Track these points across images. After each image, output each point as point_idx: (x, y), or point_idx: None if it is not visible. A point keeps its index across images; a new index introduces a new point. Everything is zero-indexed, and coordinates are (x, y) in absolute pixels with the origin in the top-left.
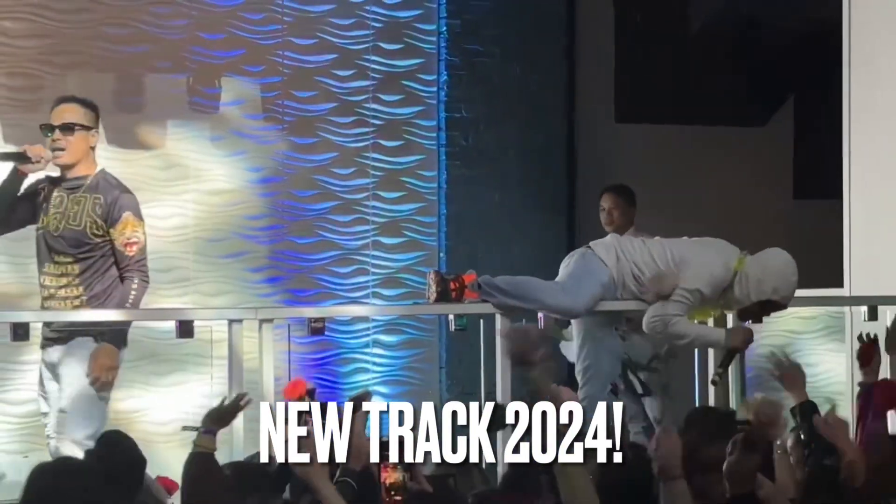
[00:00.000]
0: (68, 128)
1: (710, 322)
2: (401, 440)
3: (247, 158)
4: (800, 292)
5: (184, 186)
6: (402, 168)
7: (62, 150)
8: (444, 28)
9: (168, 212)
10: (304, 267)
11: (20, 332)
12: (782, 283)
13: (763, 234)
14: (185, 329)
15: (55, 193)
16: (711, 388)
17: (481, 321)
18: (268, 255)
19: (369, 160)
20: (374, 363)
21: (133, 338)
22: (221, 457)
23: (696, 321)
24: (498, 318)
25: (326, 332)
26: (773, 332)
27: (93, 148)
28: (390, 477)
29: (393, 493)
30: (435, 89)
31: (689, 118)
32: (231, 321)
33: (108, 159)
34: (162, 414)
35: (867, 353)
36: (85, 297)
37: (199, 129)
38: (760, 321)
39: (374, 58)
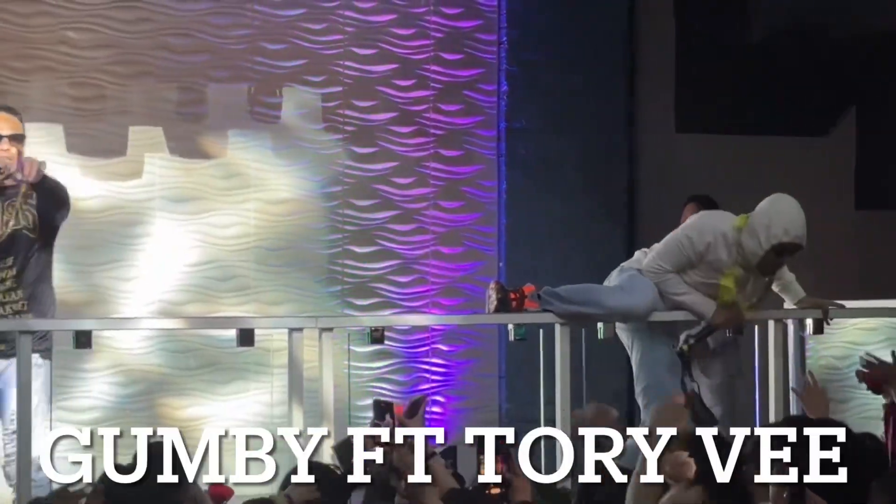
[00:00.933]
0: (19, 138)
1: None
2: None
3: (307, 168)
4: (861, 303)
5: (245, 195)
6: (462, 178)
7: (10, 158)
8: (505, 38)
9: (229, 221)
10: (363, 276)
11: (83, 339)
12: (791, 223)
13: (824, 245)
14: (246, 337)
15: None
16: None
17: (540, 331)
18: (327, 264)
19: (429, 170)
20: (434, 373)
21: (194, 346)
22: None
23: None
24: (557, 328)
25: (386, 342)
26: (833, 343)
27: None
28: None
29: (491, 484)
30: (495, 99)
31: (749, 128)
32: (291, 330)
33: (169, 168)
34: (222, 422)
35: (871, 380)
36: (26, 302)
37: (260, 138)
38: (773, 271)
39: (434, 67)
